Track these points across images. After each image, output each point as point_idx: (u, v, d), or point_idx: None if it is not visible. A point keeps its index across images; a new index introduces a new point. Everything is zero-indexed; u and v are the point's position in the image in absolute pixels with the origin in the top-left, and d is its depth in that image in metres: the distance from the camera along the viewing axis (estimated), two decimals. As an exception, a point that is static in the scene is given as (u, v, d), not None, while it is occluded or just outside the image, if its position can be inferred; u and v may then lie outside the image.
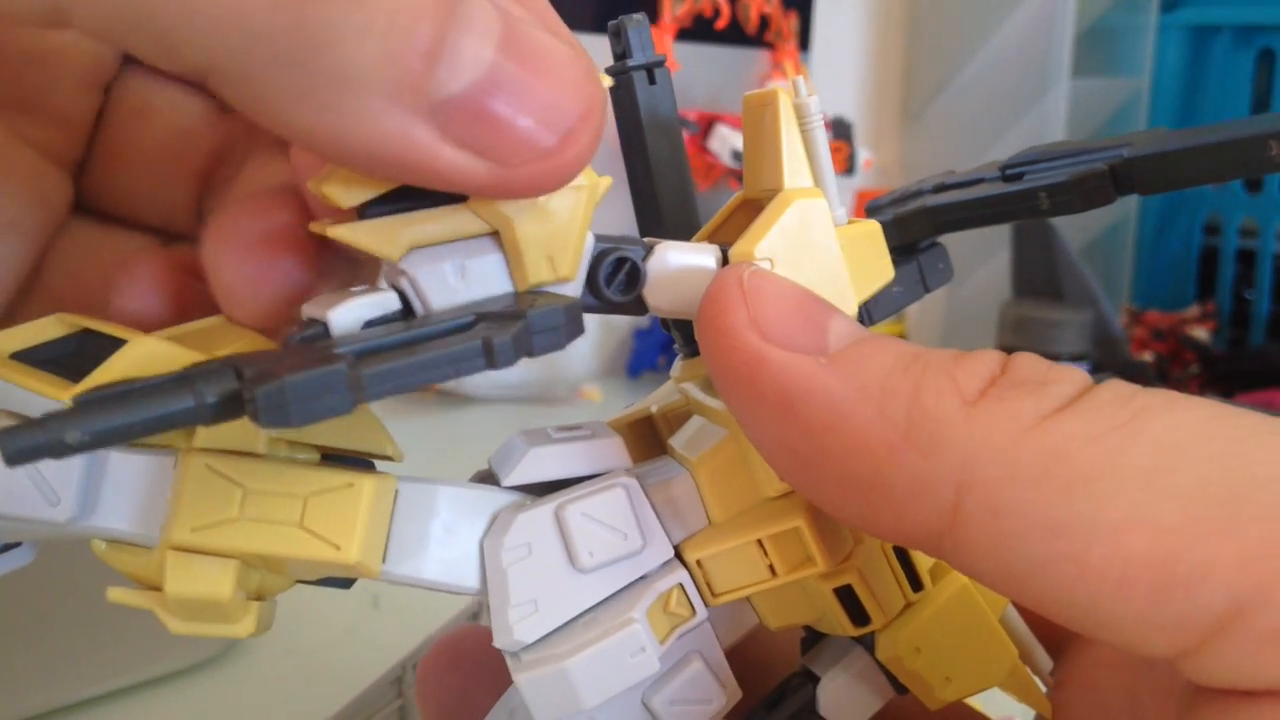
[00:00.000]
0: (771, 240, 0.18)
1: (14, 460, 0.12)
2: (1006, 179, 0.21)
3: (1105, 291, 0.97)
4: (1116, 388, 0.15)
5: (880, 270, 0.20)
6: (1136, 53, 1.07)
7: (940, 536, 0.15)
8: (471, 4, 0.15)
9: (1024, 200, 0.20)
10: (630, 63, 0.20)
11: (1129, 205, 1.09)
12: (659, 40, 0.93)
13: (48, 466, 0.16)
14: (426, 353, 0.14)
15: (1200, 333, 1.01)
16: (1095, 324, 0.92)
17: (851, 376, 0.16)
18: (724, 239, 0.19)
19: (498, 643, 0.18)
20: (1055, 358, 0.28)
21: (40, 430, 0.12)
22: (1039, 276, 0.96)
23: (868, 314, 0.20)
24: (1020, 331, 0.92)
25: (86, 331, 0.17)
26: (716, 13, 0.97)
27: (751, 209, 0.19)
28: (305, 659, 0.43)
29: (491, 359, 0.14)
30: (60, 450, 0.13)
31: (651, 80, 0.20)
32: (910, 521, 0.15)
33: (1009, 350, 0.17)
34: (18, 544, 0.18)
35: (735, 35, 0.99)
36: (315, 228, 0.16)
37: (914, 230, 0.21)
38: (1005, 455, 0.14)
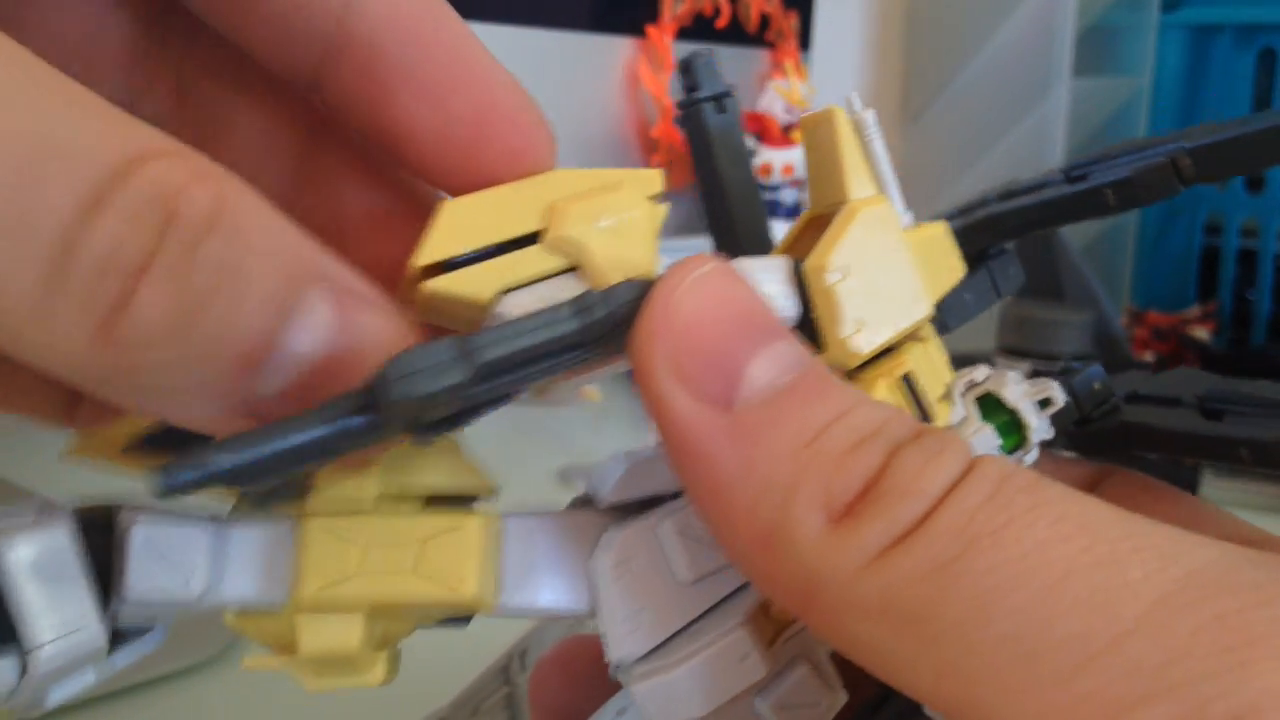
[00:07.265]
0: (843, 251, 0.18)
1: (166, 492, 0.13)
2: (1071, 180, 0.21)
3: (1106, 291, 0.96)
4: (973, 495, 0.15)
5: (951, 269, 0.20)
6: (1137, 52, 1.07)
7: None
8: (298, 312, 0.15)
9: (1090, 199, 0.20)
10: (700, 95, 0.21)
11: (1129, 205, 1.08)
12: (658, 39, 0.93)
13: (176, 550, 0.17)
14: (524, 323, 0.15)
15: (1201, 333, 1.01)
16: (1096, 324, 0.92)
17: (743, 450, 0.15)
18: (797, 256, 0.19)
19: (609, 657, 0.18)
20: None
21: (190, 461, 0.13)
22: (1039, 276, 0.96)
23: (943, 322, 0.20)
24: (1020, 331, 0.92)
25: None
26: (717, 12, 0.96)
27: (820, 225, 0.20)
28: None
29: (589, 319, 0.16)
30: (212, 478, 0.13)
31: (721, 109, 0.21)
32: (780, 602, 0.17)
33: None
34: (150, 628, 0.19)
35: (736, 34, 0.99)
36: (420, 289, 0.17)
37: (981, 238, 0.21)
38: (846, 590, 0.15)
